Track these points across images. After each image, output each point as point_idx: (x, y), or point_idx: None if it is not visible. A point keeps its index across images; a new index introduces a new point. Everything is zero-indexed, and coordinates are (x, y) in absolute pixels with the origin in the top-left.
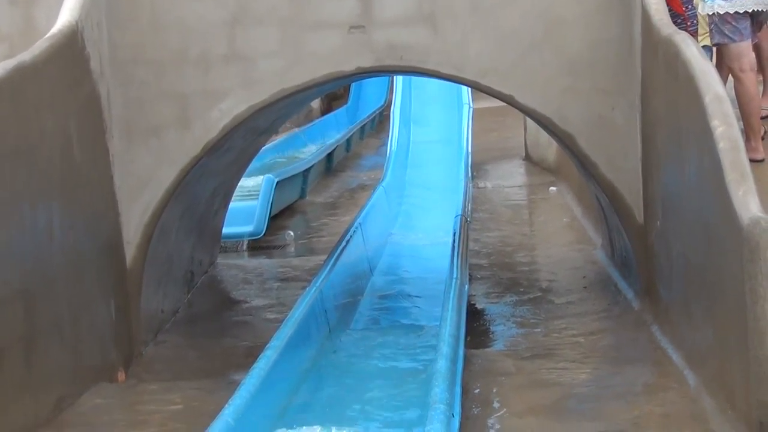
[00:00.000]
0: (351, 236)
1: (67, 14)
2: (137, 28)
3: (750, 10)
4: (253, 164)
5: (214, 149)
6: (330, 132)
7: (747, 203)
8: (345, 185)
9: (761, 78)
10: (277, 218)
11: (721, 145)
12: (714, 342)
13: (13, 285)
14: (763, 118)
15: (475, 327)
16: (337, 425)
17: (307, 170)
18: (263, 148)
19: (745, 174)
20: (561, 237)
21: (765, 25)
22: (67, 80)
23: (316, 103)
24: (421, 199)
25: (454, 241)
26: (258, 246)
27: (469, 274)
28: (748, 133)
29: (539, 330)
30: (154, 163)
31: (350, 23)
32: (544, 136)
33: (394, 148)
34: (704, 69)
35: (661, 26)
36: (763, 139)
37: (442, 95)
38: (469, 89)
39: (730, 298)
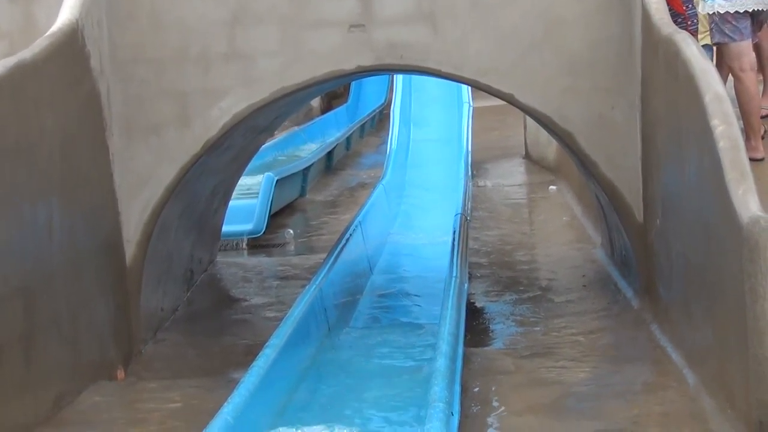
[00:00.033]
0: (351, 235)
1: (67, 12)
2: (137, 26)
3: (750, 10)
4: (253, 162)
5: (214, 147)
6: (330, 130)
7: (747, 202)
8: (345, 184)
9: (761, 77)
10: (277, 216)
11: (721, 144)
12: (713, 341)
13: (13, 282)
14: (763, 117)
15: (475, 325)
16: (338, 424)
17: (307, 168)
18: (263, 146)
19: (744, 173)
20: (561, 236)
21: (765, 25)
22: (67, 78)
23: (316, 102)
24: (420, 199)
25: (453, 239)
26: (258, 244)
27: (469, 273)
28: (748, 132)
29: (539, 328)
30: (154, 161)
31: (350, 22)
32: (544, 134)
33: (394, 146)
34: (704, 68)
35: (661, 25)
36: (763, 138)
37: (442, 93)
38: (469, 88)
39: (729, 297)
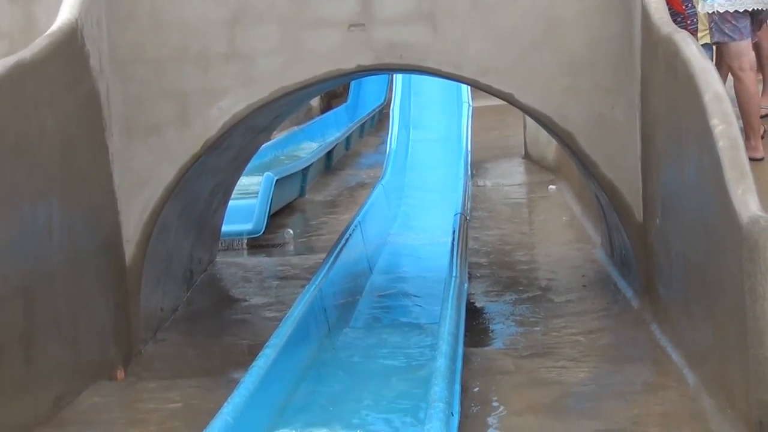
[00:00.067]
0: (350, 234)
1: (67, 12)
2: (137, 26)
3: (750, 9)
4: (253, 162)
5: (213, 147)
6: (329, 130)
7: (746, 202)
8: (344, 183)
9: (761, 77)
10: (277, 216)
11: (721, 143)
12: (713, 341)
13: (13, 282)
14: (762, 116)
15: (475, 325)
16: (338, 424)
17: (307, 168)
18: (263, 146)
19: (744, 173)
20: (560, 236)
21: (765, 24)
22: (66, 78)
23: (315, 101)
24: (420, 200)
25: (453, 239)
26: (257, 244)
27: (469, 273)
28: (747, 131)
29: (538, 328)
30: (154, 161)
31: (350, 21)
32: (543, 134)
33: (393, 146)
34: (704, 68)
35: (660, 25)
36: (762, 137)
37: (442, 93)
38: (469, 87)
39: (729, 296)
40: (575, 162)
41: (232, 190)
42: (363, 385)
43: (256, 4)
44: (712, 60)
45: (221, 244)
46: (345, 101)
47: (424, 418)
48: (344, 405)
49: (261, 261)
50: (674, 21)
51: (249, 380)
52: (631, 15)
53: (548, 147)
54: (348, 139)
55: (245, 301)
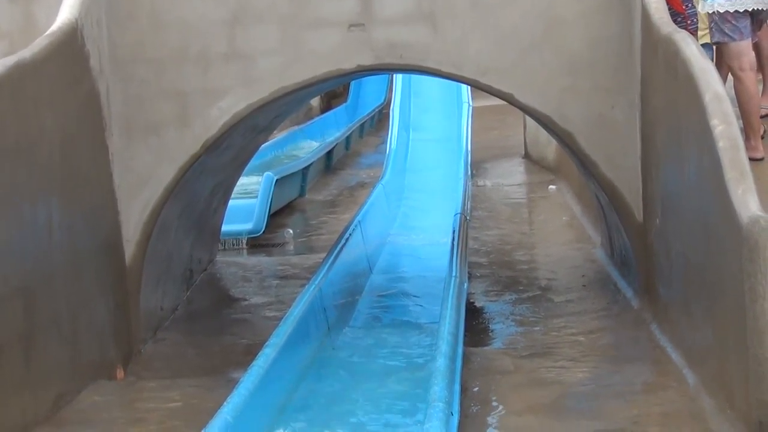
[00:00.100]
0: (350, 234)
1: (67, 12)
2: (137, 25)
3: (750, 9)
4: (253, 162)
5: (213, 147)
6: (329, 130)
7: (746, 202)
8: (344, 183)
9: (761, 77)
10: (277, 216)
11: (721, 143)
12: (713, 341)
13: (13, 282)
14: (762, 117)
15: (474, 325)
16: (337, 424)
17: (307, 168)
18: (263, 145)
19: (744, 173)
20: (560, 235)
21: (765, 24)
22: (66, 78)
23: (315, 101)
24: (420, 200)
25: (453, 239)
26: (257, 244)
27: (469, 273)
28: (747, 132)
29: (538, 328)
30: (154, 161)
31: (350, 21)
32: (543, 134)
33: (393, 146)
34: (704, 68)
35: (660, 25)
36: (762, 138)
37: (442, 94)
38: (469, 87)
39: (729, 296)
40: (575, 162)
41: (232, 190)
42: (362, 384)
43: (256, 4)
44: (712, 60)
45: (221, 244)
46: (345, 101)
47: (423, 417)
48: (343, 405)
49: (261, 260)
50: (674, 21)
51: (249, 380)
52: (631, 15)
53: (548, 147)
54: (348, 138)
55: (245, 300)
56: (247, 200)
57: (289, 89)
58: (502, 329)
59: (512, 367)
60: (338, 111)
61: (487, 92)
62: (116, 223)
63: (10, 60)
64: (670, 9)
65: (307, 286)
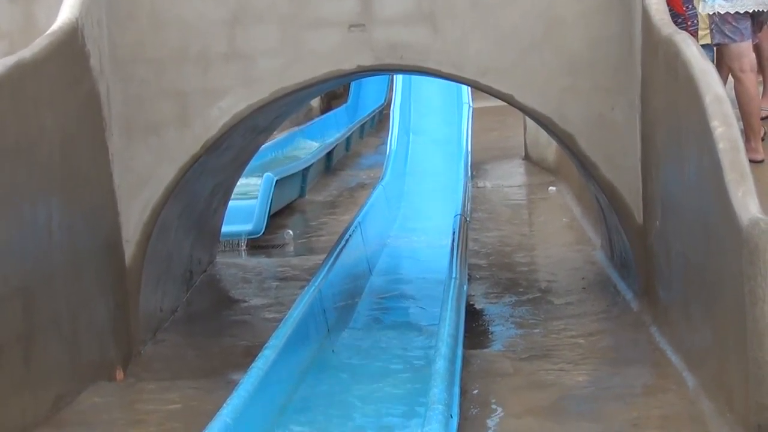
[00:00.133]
0: (350, 235)
1: (67, 11)
2: (137, 25)
3: (750, 11)
4: (253, 163)
5: (213, 147)
6: (329, 131)
7: (746, 204)
8: (344, 184)
9: (761, 78)
10: (277, 217)
11: (721, 145)
12: (713, 343)
13: (12, 282)
14: (763, 118)
15: (474, 327)
16: (336, 425)
17: (307, 169)
18: (263, 146)
19: (744, 175)
20: (560, 237)
21: (765, 26)
22: (66, 78)
23: (315, 102)
24: (420, 202)
25: (453, 240)
26: (257, 245)
27: (468, 274)
28: (747, 133)
29: (538, 331)
30: (154, 161)
31: (350, 21)
32: (543, 135)
33: (393, 147)
34: (704, 69)
35: (661, 26)
36: (762, 139)
37: (442, 96)
38: (469, 88)
39: (729, 299)
40: (575, 163)
41: (232, 191)
42: (362, 386)
43: (256, 4)
44: (712, 61)
45: (221, 245)
46: (345, 102)
47: (422, 420)
48: (343, 406)
49: (261, 262)
50: (675, 22)
51: (248, 381)
52: (631, 16)
53: (548, 148)
54: (348, 139)
55: (245, 302)
56: (247, 201)
57: (289, 89)
58: (501, 331)
59: (512, 370)
60: (338, 112)
61: (488, 93)
62: (116, 223)
63: (10, 60)
64: (670, 10)
65: (306, 288)
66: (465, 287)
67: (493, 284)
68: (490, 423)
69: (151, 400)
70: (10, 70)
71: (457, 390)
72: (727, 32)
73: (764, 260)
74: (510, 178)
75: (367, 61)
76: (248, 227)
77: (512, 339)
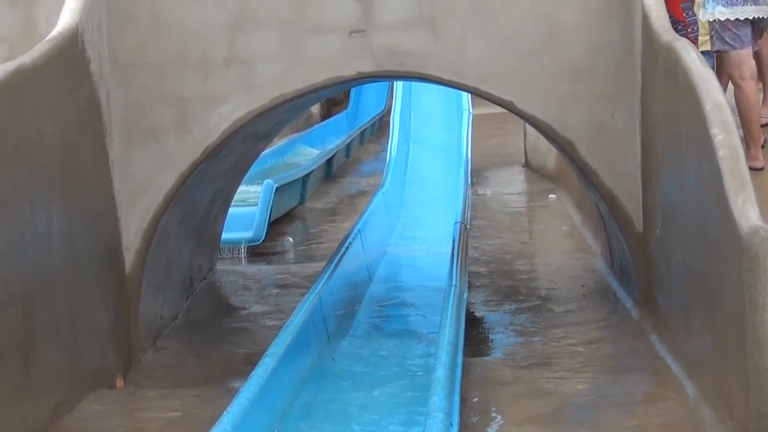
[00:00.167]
0: (350, 243)
1: (67, 16)
2: (137, 30)
3: (751, 18)
4: (253, 169)
5: (213, 154)
6: (330, 137)
7: (746, 212)
8: (344, 191)
9: (761, 86)
10: (277, 224)
11: (721, 153)
12: (713, 351)
13: (12, 289)
14: (763, 126)
15: (474, 335)
16: None
17: (307, 176)
18: (263, 153)
19: (744, 182)
20: (560, 245)
21: (765, 33)
22: (67, 83)
23: (315, 109)
24: (420, 209)
25: (453, 248)
26: (257, 252)
27: (468, 282)
28: (747, 141)
29: (538, 339)
30: (154, 168)
31: (351, 27)
32: (543, 143)
33: (393, 154)
34: (704, 76)
35: (661, 32)
36: (763, 147)
37: (442, 103)
38: (469, 95)
39: (729, 307)
40: (575, 171)
41: (232, 198)
42: (362, 394)
43: (256, 10)
44: (713, 68)
45: (220, 252)
46: (345, 108)
47: (422, 428)
48: (343, 414)
49: (261, 269)
50: (675, 29)
51: (248, 389)
52: (631, 22)
53: (548, 156)
54: (348, 146)
55: (245, 309)
56: (247, 208)
57: (289, 96)
58: (501, 339)
59: (512, 378)
60: (338, 118)
61: (488, 100)
62: (116, 230)
63: (10, 65)
64: (670, 17)
65: (306, 295)
66: (465, 295)
67: (493, 292)
68: (490, 431)
69: (151, 407)
70: (10, 75)
71: (457, 398)
72: (727, 39)
73: (764, 268)
74: (510, 186)
75: (367, 67)
76: (248, 234)
77: (512, 347)
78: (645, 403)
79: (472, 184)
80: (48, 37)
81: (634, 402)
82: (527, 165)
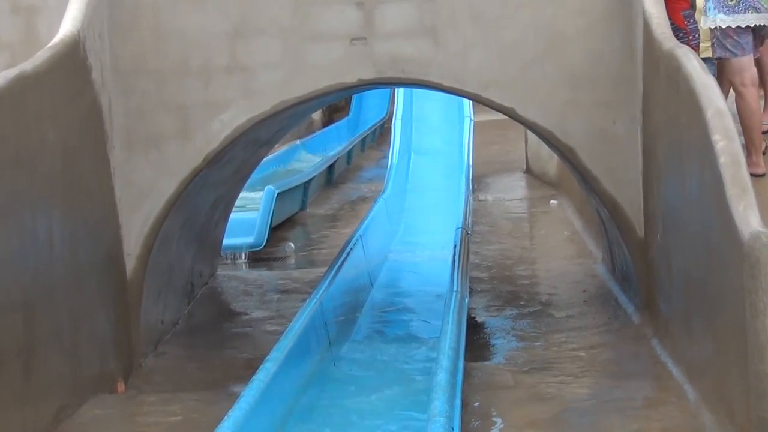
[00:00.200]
0: (351, 249)
1: (69, 24)
2: (139, 38)
3: (752, 25)
4: (254, 176)
5: (214, 160)
6: (331, 144)
7: (748, 218)
8: (346, 197)
9: (762, 92)
10: (278, 230)
11: (722, 159)
12: (714, 357)
13: (13, 295)
14: (764, 132)
15: (475, 340)
16: None
17: (308, 182)
18: (264, 159)
19: (746, 189)
20: (561, 250)
21: (766, 40)
22: (68, 90)
23: (317, 115)
24: (420, 216)
25: (454, 253)
26: (258, 258)
27: (470, 287)
28: (749, 147)
29: (539, 343)
30: (155, 174)
31: (352, 35)
32: (545, 149)
33: (395, 160)
34: (705, 83)
35: (662, 40)
36: (764, 153)
37: (443, 110)
38: (471, 102)
39: (730, 312)
40: (576, 177)
41: (234, 204)
42: (363, 399)
43: (257, 17)
44: (714, 75)
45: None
46: (347, 115)
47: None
48: (344, 419)
49: (262, 274)
50: (676, 36)
51: (249, 394)
52: (632, 30)
53: (549, 162)
54: (349, 152)
55: (246, 314)
56: (249, 214)
57: (290, 102)
58: (502, 344)
59: (513, 382)
60: (340, 125)
61: (489, 107)
62: (117, 236)
63: (11, 72)
64: (671, 24)
65: (308, 301)
66: (466, 300)
67: (494, 297)
68: None
69: (152, 412)
70: (12, 82)
71: (458, 402)
72: (728, 46)
73: (765, 274)
74: (511, 192)
75: (368, 74)
76: (249, 240)
77: (513, 352)
78: (646, 408)
79: (474, 190)
80: (49, 45)
81: (635, 407)
82: (528, 171)
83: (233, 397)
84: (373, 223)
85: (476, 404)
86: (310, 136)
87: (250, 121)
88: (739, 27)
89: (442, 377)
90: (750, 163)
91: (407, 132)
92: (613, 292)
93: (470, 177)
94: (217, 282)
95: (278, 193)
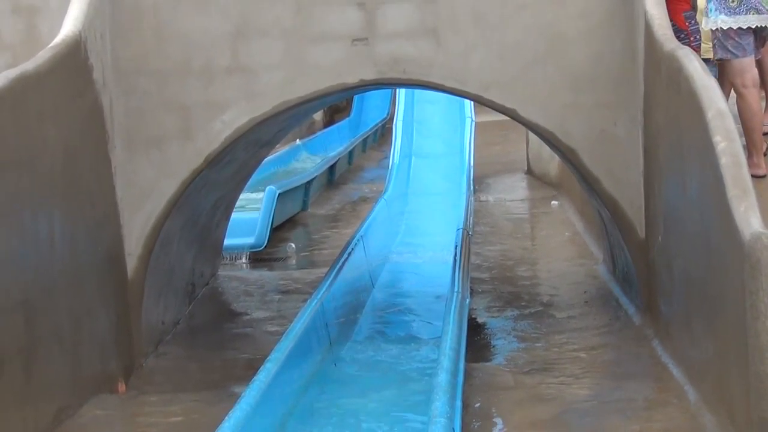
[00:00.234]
0: (352, 249)
1: (70, 24)
2: (140, 38)
3: (753, 26)
4: (255, 176)
5: (215, 161)
6: (332, 144)
7: (748, 219)
8: (347, 198)
9: (764, 93)
10: (279, 230)
11: (723, 160)
12: (714, 357)
13: (14, 295)
14: (765, 134)
15: (476, 341)
16: None
17: (309, 182)
18: (265, 160)
19: (746, 190)
20: (562, 251)
21: None
22: (69, 90)
23: (318, 116)
24: (422, 216)
25: (455, 254)
26: (259, 258)
27: (471, 288)
28: (750, 148)
29: (540, 344)
30: (156, 175)
31: (353, 36)
32: (546, 150)
33: (396, 160)
34: (707, 84)
35: (664, 41)
36: (765, 155)
37: (445, 112)
38: (472, 103)
39: (730, 313)
40: (577, 178)
41: (235, 204)
42: (364, 399)
43: (259, 18)
44: (715, 76)
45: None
46: (348, 115)
47: None
48: (345, 420)
49: (263, 275)
50: (677, 37)
51: (250, 394)
52: (634, 31)
53: (551, 163)
54: (351, 153)
55: (247, 315)
56: (250, 214)
57: (291, 103)
58: (503, 345)
59: (513, 383)
60: (341, 125)
61: (491, 108)
62: (118, 236)
63: (13, 72)
64: (673, 25)
65: (309, 301)
66: (467, 301)
67: (495, 298)
68: None
69: (152, 412)
70: (13, 82)
71: (459, 403)
72: (729, 47)
73: (766, 275)
74: (512, 193)
75: (369, 75)
76: (250, 240)
77: (514, 352)
78: (647, 409)
79: (475, 190)
80: (51, 45)
81: (636, 407)
82: (530, 172)
83: (234, 398)
84: (374, 223)
85: (477, 405)
86: (311, 137)
87: (252, 122)
88: (740, 28)
89: (443, 378)
90: (751, 164)
91: (408, 132)
92: (614, 293)
93: (471, 177)
94: (218, 282)
95: (279, 194)
